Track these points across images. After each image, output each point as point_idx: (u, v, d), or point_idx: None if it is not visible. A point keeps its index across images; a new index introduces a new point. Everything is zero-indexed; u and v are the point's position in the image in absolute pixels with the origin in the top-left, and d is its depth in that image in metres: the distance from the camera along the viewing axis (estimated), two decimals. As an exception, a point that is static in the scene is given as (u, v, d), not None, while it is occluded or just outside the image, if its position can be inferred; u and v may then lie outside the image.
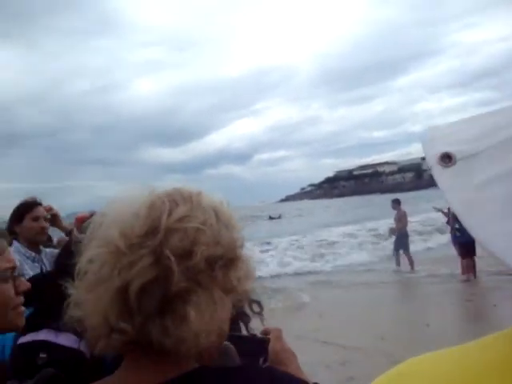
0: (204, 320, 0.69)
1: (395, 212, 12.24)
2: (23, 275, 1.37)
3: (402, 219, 11.96)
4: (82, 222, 3.61)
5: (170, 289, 0.68)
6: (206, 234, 0.72)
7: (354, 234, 19.76)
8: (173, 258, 0.68)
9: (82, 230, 2.14)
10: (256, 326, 1.09)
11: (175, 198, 0.75)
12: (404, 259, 11.85)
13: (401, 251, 11.97)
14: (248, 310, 0.94)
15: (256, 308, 0.94)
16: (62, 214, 3.46)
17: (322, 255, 15.24)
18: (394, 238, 12.23)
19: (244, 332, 1.21)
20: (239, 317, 0.94)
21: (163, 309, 0.68)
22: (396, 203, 12.22)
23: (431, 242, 16.43)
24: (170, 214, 0.72)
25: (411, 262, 11.65)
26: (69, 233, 3.40)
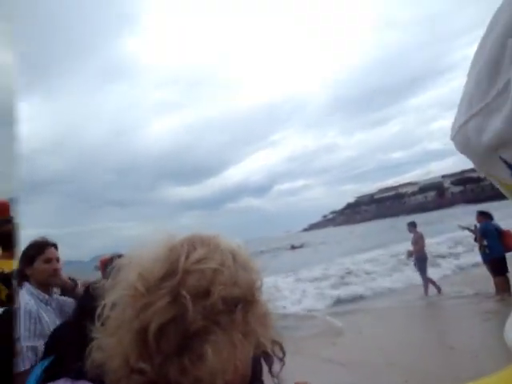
0: (221, 359, 0.70)
1: (412, 235, 12.02)
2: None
3: (418, 241, 11.72)
4: (105, 264, 3.62)
5: (188, 328, 0.69)
6: (224, 275, 0.74)
7: (377, 260, 19.42)
8: (188, 297, 0.69)
9: (106, 274, 2.14)
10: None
11: (193, 242, 0.78)
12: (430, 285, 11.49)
13: (428, 276, 11.65)
14: (271, 352, 0.93)
15: (278, 352, 0.92)
16: (86, 258, 3.43)
17: (345, 283, 14.95)
18: (413, 262, 11.91)
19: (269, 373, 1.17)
20: (263, 358, 0.92)
21: (181, 348, 0.69)
22: (412, 226, 12.03)
23: (460, 262, 15.98)
24: (187, 257, 0.75)
25: (434, 284, 11.38)
26: (70, 290, 3.16)
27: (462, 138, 0.47)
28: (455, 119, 0.49)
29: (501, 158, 0.43)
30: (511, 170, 0.44)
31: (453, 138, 0.49)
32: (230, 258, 0.77)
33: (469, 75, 0.47)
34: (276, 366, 0.96)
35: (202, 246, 0.77)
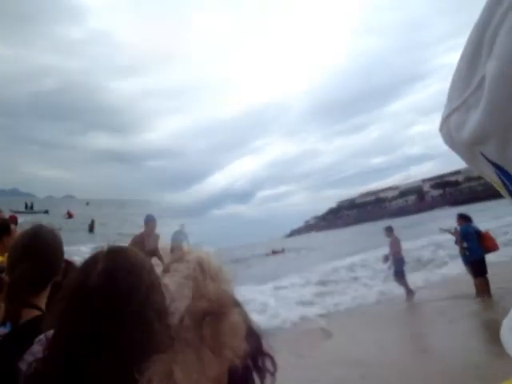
0: (190, 379, 0.65)
1: (389, 240, 12.15)
2: None
3: (394, 245, 11.88)
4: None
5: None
6: (190, 288, 0.70)
7: (359, 265, 19.42)
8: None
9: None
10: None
11: (158, 254, 0.74)
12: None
13: (407, 279, 11.75)
14: (261, 365, 0.88)
15: (269, 365, 0.86)
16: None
17: (327, 289, 14.80)
18: (392, 267, 11.97)
19: None
20: (254, 370, 0.87)
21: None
22: (388, 230, 12.21)
23: (441, 264, 16.14)
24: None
25: (408, 288, 11.52)
26: None
27: (446, 132, 0.47)
28: (443, 111, 0.47)
29: (482, 154, 0.43)
30: (494, 167, 0.42)
31: (440, 130, 0.48)
32: (197, 269, 0.73)
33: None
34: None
35: (166, 257, 0.74)
